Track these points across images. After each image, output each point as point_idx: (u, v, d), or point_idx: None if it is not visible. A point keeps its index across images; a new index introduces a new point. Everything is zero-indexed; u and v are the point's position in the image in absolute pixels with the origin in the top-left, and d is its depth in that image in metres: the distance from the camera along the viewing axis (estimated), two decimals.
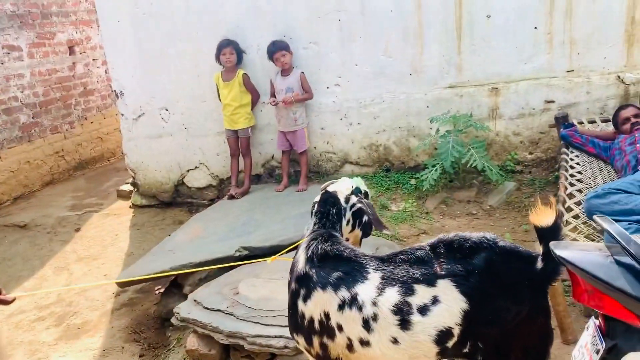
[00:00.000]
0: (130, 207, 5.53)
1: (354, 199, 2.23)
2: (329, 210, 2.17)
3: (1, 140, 5.87)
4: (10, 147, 5.98)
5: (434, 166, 4.11)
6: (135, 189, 5.52)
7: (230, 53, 4.65)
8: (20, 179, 6.11)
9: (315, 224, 2.16)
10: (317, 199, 2.24)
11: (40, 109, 6.36)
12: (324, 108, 4.76)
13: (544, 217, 1.73)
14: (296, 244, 2.26)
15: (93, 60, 7.14)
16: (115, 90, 5.28)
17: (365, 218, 2.25)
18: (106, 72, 7.33)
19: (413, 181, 4.44)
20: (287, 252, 2.69)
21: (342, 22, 4.57)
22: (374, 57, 4.58)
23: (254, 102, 4.85)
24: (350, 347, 1.90)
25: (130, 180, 5.59)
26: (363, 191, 2.30)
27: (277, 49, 4.54)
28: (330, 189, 2.26)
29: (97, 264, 4.57)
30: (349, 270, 1.94)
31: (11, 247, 5.07)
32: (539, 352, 1.88)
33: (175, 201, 5.35)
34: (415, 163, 4.68)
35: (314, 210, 2.22)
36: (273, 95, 4.70)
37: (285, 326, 2.67)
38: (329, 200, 2.19)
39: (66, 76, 6.72)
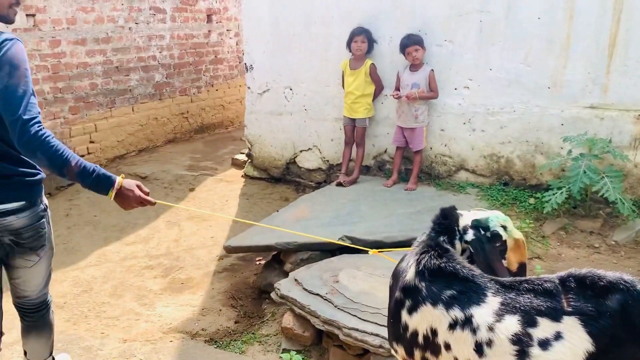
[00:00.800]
0: (242, 176, 5.74)
1: (470, 234, 2.04)
2: (448, 225, 2.04)
3: (136, 95, 6.31)
4: (143, 103, 6.41)
5: (559, 189, 3.86)
6: (250, 160, 5.72)
7: (362, 41, 4.63)
8: (147, 133, 6.55)
9: (430, 234, 2.03)
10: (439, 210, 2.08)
11: (174, 71, 6.74)
12: (447, 109, 4.62)
13: None
14: (402, 248, 2.17)
15: (227, 30, 7.44)
16: (245, 63, 5.47)
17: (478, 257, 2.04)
18: (237, 44, 7.63)
19: (532, 200, 4.20)
20: (390, 250, 2.65)
21: (482, 24, 4.38)
22: (511, 64, 4.36)
23: (377, 94, 4.81)
24: None
25: (246, 151, 5.80)
26: (491, 230, 2.03)
27: (411, 43, 4.45)
28: (463, 212, 2.09)
29: (206, 225, 4.80)
30: (465, 290, 1.86)
31: None
32: None
33: (285, 178, 5.48)
34: (537, 182, 4.42)
35: (432, 219, 2.07)
36: (397, 89, 4.63)
37: (383, 325, 2.65)
38: (449, 215, 2.05)
39: (201, 42, 7.06)
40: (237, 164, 6.03)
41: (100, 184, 2.20)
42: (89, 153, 5.85)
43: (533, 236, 3.78)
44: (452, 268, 1.89)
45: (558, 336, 1.70)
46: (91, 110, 5.79)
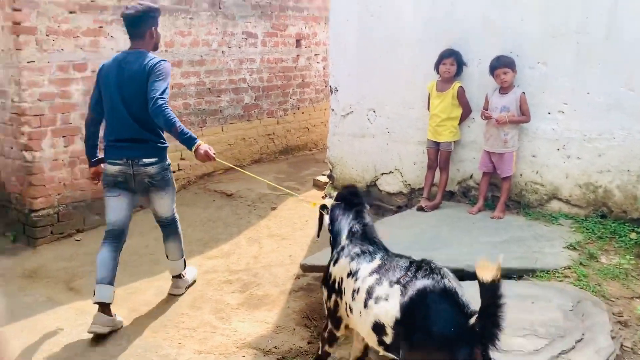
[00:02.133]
0: (323, 197, 5.75)
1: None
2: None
3: (226, 116, 6.55)
4: (232, 123, 6.65)
5: None
6: (330, 182, 5.72)
7: (450, 64, 4.53)
8: (235, 152, 6.77)
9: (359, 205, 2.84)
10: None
11: (262, 93, 6.95)
12: (540, 134, 4.38)
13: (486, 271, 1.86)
14: None
15: (315, 55, 7.59)
16: (330, 86, 5.53)
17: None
18: (324, 68, 7.76)
19: (634, 235, 3.85)
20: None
21: (580, 45, 4.14)
22: (612, 88, 4.06)
23: (464, 117, 4.67)
24: (349, 309, 2.50)
25: (327, 172, 5.82)
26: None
27: (500, 65, 4.29)
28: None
29: (285, 243, 4.83)
30: (368, 250, 2.53)
31: (217, 211, 5.64)
32: None
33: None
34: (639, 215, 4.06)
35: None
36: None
37: None
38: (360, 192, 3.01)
39: (289, 67, 7.25)
40: (319, 185, 6.06)
41: (189, 141, 3.41)
42: (179, 169, 6.12)
43: (634, 274, 3.45)
44: (372, 235, 2.66)
45: (386, 297, 2.24)
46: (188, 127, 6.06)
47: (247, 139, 6.89)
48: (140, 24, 3.62)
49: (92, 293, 3.58)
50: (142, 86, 3.45)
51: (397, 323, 2.14)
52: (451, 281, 2.11)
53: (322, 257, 3.84)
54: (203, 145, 3.42)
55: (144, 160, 3.57)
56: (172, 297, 4.03)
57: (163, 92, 3.41)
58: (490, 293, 1.82)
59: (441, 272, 2.15)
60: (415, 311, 2.08)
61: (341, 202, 2.90)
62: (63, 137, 5.06)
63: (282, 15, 6.98)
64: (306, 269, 3.83)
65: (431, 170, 4.80)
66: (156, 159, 3.63)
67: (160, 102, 3.35)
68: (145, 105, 3.43)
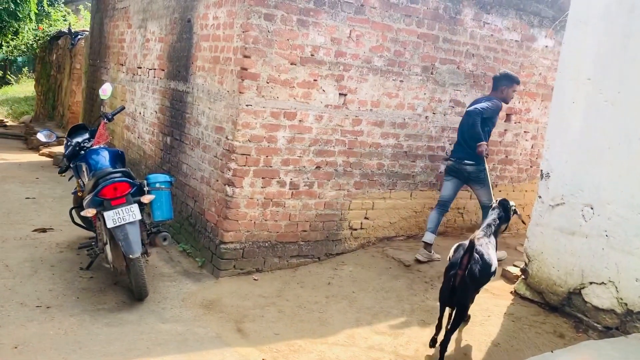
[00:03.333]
0: (511, 292, 5.11)
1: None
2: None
3: (417, 182, 6.30)
4: (422, 190, 6.37)
5: None
6: (523, 277, 5.06)
7: None
8: (419, 220, 6.45)
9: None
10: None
11: None
12: None
13: None
14: None
15: (524, 132, 7.01)
16: (542, 170, 4.95)
17: None
18: (532, 147, 7.12)
19: None
20: None
21: None
22: None
23: None
24: None
25: (522, 265, 5.17)
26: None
27: None
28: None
29: (459, 337, 4.32)
30: None
31: (391, 281, 5.34)
32: None
33: (563, 309, 4.66)
34: None
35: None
36: None
37: None
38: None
39: (494, 140, 6.77)
40: (508, 277, 5.41)
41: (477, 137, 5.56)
42: (361, 228, 5.99)
43: None
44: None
45: None
46: (373, 188, 5.97)
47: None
48: (497, 81, 5.84)
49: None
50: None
51: None
52: None
53: None
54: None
55: (465, 161, 5.65)
56: None
57: (482, 108, 5.55)
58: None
59: None
60: None
61: None
62: (262, 178, 5.27)
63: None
64: None
65: None
66: (473, 162, 5.61)
67: (473, 111, 5.59)
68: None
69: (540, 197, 4.94)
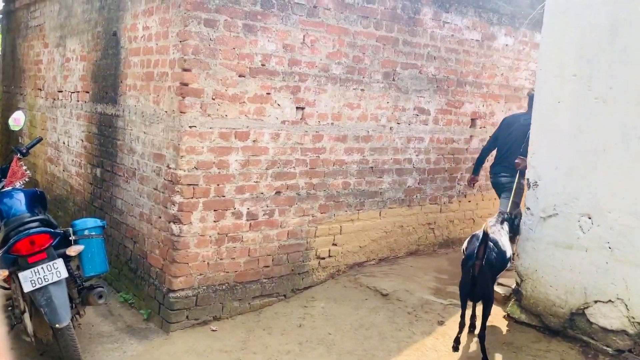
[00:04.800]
0: (504, 317, 4.59)
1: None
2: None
3: (386, 199, 5.72)
4: (391, 208, 5.79)
5: None
6: (515, 299, 4.55)
7: None
8: (390, 241, 5.86)
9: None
10: None
11: (427, 177, 6.06)
12: None
13: None
14: None
15: (490, 137, 6.58)
16: (528, 179, 4.47)
17: None
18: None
19: None
20: None
21: None
22: None
23: None
24: None
25: (513, 286, 4.66)
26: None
27: None
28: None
29: None
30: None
31: (370, 315, 4.70)
32: None
33: (566, 332, 4.17)
34: None
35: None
36: None
37: None
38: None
39: (460, 148, 6.32)
40: (496, 299, 4.89)
41: None
42: (330, 256, 5.34)
43: None
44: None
45: None
46: (340, 210, 5.33)
47: (405, 226, 5.97)
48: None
49: None
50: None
51: None
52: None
53: None
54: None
55: (502, 173, 5.70)
56: None
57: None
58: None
59: None
60: None
61: None
62: (214, 210, 4.51)
63: (459, 92, 6.14)
64: None
65: None
66: (508, 174, 5.56)
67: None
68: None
69: (528, 208, 4.45)
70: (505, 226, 4.50)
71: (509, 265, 4.33)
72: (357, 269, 5.57)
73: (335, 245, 5.39)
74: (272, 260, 4.93)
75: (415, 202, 6.02)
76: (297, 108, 4.88)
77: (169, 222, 4.45)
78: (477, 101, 6.37)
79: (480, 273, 3.82)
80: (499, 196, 5.86)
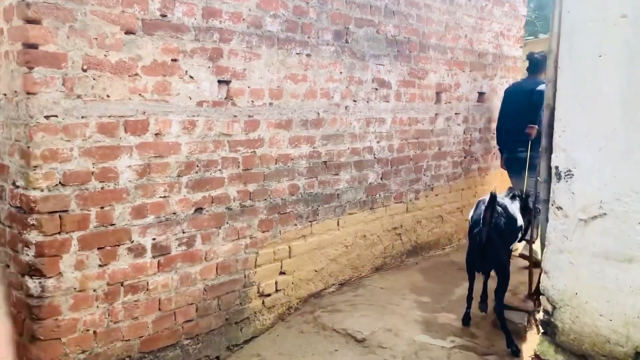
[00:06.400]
0: (531, 357, 3.32)
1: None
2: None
3: (344, 203, 4.28)
4: (351, 214, 4.37)
5: None
6: (545, 332, 3.29)
7: None
8: (352, 257, 4.44)
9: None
10: None
11: (391, 168, 4.69)
12: None
13: None
14: None
15: (455, 114, 5.35)
16: (557, 167, 3.20)
17: None
18: (464, 133, 5.49)
19: None
20: None
21: None
22: None
23: None
24: None
25: (540, 314, 3.39)
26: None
27: None
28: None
29: None
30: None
31: None
32: None
33: None
34: None
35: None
36: None
37: None
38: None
39: (425, 130, 5.01)
40: (516, 332, 3.63)
41: None
42: (277, 290, 3.82)
43: None
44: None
45: None
46: (287, 225, 3.81)
47: (368, 236, 4.58)
48: (543, 64, 4.72)
49: None
50: None
51: None
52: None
53: None
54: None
55: (520, 149, 4.96)
56: None
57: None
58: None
59: None
60: None
61: None
62: (99, 249, 2.82)
63: (423, 58, 4.81)
64: None
65: None
66: (524, 149, 4.85)
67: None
68: None
69: (560, 208, 3.19)
70: (517, 201, 4.00)
71: (520, 235, 3.95)
72: (313, 302, 4.09)
73: (284, 273, 3.87)
74: (196, 310, 3.31)
75: (378, 202, 4.63)
76: (219, 82, 3.28)
77: (23, 276, 2.69)
78: (441, 70, 5.07)
79: (488, 241, 3.41)
80: (516, 176, 5.14)
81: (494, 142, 5.84)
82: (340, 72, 4.06)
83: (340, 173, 4.20)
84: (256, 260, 3.64)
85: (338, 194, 4.21)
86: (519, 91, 5.14)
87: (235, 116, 3.38)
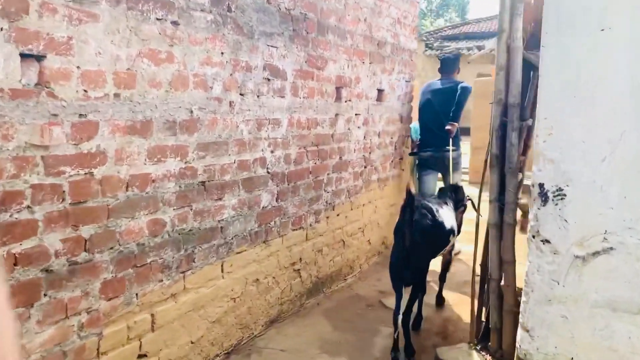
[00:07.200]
0: None
1: None
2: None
3: (229, 239, 3.04)
4: (238, 252, 3.13)
5: None
6: None
7: None
8: (241, 313, 3.21)
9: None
10: None
11: (288, 186, 3.56)
12: None
13: None
14: None
15: (355, 115, 4.38)
16: (541, 185, 2.31)
17: None
18: (364, 137, 4.55)
19: None
20: None
21: None
22: None
23: None
24: None
25: None
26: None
27: None
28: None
29: None
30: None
31: None
32: None
33: None
34: None
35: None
36: None
37: None
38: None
39: (325, 135, 3.96)
40: None
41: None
42: None
43: None
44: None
45: None
46: (147, 283, 2.48)
47: (262, 279, 3.38)
48: (455, 63, 5.05)
49: None
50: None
51: None
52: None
53: None
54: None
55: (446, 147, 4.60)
56: None
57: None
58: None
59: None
60: None
61: None
62: None
63: (321, 42, 3.74)
64: None
65: None
66: (454, 147, 4.63)
67: (468, 88, 4.82)
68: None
69: (546, 241, 2.30)
70: (450, 205, 3.71)
71: (452, 238, 3.53)
72: None
73: (145, 356, 2.52)
74: None
75: (274, 232, 3.45)
76: (23, 57, 1.87)
77: None
78: (341, 59, 4.06)
79: (412, 244, 3.00)
80: (443, 173, 4.89)
81: (391, 148, 5.01)
82: (222, 53, 2.82)
83: (224, 197, 2.95)
84: (99, 345, 2.26)
85: (222, 227, 2.96)
86: (441, 90, 4.88)
87: (54, 115, 1.98)
